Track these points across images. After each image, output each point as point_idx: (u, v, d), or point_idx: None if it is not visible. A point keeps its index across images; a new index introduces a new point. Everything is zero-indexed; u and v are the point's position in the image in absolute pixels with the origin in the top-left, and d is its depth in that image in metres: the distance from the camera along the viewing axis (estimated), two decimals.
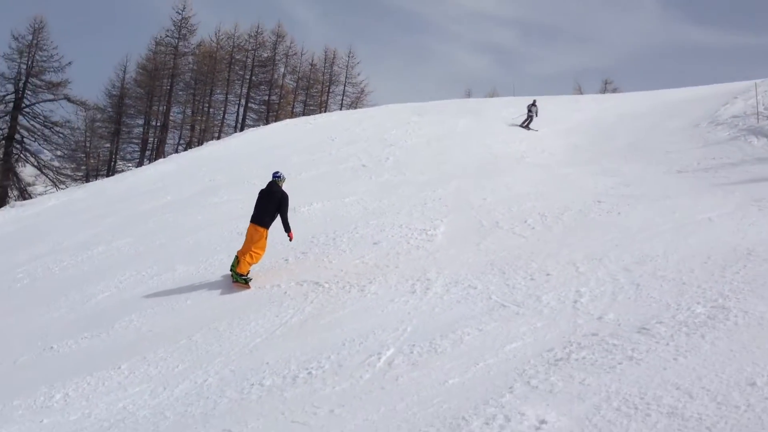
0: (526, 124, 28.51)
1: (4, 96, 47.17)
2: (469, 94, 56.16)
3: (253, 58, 61.61)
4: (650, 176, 16.90)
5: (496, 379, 5.81)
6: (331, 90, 62.00)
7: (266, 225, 10.87)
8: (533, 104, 29.25)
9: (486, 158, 21.70)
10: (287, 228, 11.02)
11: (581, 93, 50.72)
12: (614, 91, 52.08)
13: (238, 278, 10.60)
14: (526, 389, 5.45)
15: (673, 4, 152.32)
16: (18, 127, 46.51)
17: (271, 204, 10.91)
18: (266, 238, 10.88)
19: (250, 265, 10.73)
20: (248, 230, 10.99)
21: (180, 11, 58.63)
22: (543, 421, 4.82)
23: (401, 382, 6.21)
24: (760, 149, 18.15)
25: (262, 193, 11.21)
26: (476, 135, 26.37)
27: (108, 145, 58.18)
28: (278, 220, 10.95)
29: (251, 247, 10.74)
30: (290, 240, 11.25)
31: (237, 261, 10.75)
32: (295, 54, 62.66)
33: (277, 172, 11.43)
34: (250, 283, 10.56)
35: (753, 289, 7.17)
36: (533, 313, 7.67)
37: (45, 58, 48.43)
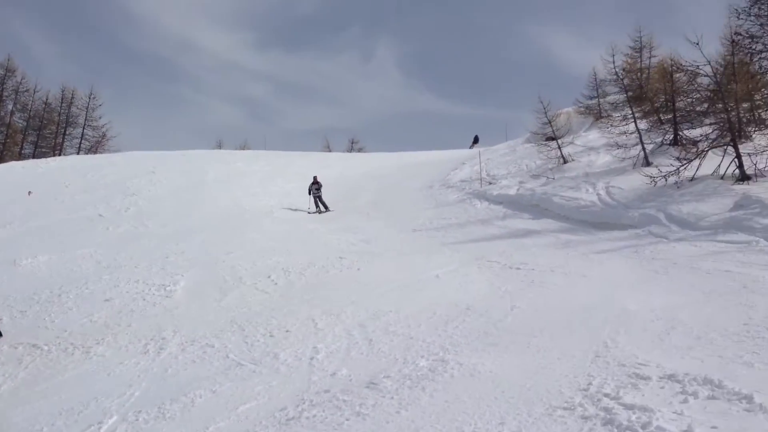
0: (322, 209, 23.27)
1: None
2: (220, 145, 55.46)
3: None
4: (389, 234, 17.96)
5: None
6: (67, 132, 57.38)
7: None
8: (314, 182, 23.99)
9: (234, 211, 21.50)
10: None
11: (330, 150, 52.88)
12: (360, 150, 55.05)
13: None
14: None
15: (414, 76, 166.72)
16: None
17: None
18: None
19: None
20: None
21: None
22: None
23: None
24: (483, 211, 20.24)
25: None
26: (226, 187, 26.08)
27: None
28: None
29: None
30: None
31: None
32: (27, 91, 57.15)
33: None
34: None
35: (469, 342, 7.85)
36: (270, 371, 7.63)
37: None
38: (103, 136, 52.19)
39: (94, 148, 50.88)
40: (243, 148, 52.55)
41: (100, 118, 52.72)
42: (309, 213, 22.69)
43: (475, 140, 41.72)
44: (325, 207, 23.43)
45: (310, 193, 24.02)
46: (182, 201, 22.76)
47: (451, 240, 16.43)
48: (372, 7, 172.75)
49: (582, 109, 32.04)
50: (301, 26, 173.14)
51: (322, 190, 24.00)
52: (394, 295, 10.74)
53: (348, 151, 52.46)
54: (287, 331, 9.18)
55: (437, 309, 9.57)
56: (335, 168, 32.34)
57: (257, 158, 34.25)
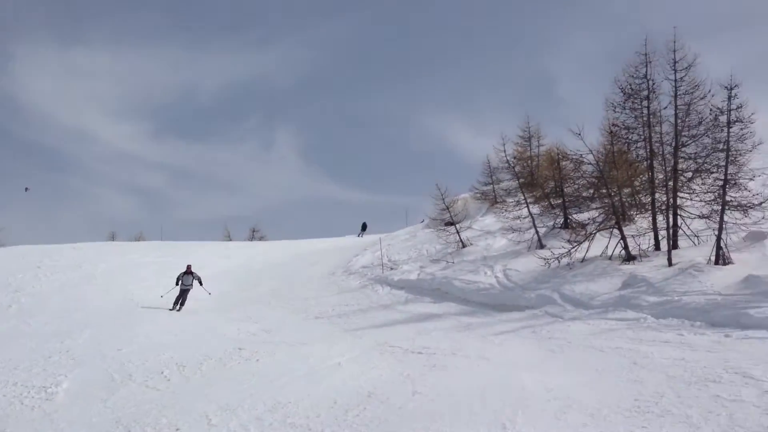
0: (177, 308, 20.09)
1: None
2: (113, 237, 53.40)
3: None
4: (291, 322, 17.60)
5: None
6: None
7: None
8: (187, 272, 20.97)
9: (126, 305, 20.54)
10: None
11: (230, 239, 52.06)
12: (261, 239, 54.46)
13: None
14: None
15: (315, 163, 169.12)
16: None
17: None
18: None
19: None
20: None
21: None
22: None
23: None
24: (385, 297, 20.26)
25: None
26: (118, 280, 24.98)
27: None
28: None
29: None
30: None
31: None
32: None
33: None
34: None
35: (370, 430, 7.64)
36: None
37: None
38: None
39: None
40: (138, 239, 50.84)
41: None
42: (169, 310, 19.89)
43: (363, 227, 41.88)
44: (182, 305, 20.21)
45: (177, 284, 20.65)
46: (69, 296, 21.58)
47: (353, 326, 16.26)
48: (272, 97, 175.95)
49: (478, 195, 33.23)
50: (200, 116, 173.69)
51: (202, 283, 21.02)
52: (295, 385, 10.39)
53: (249, 240, 51.77)
54: (177, 429, 8.65)
55: (338, 398, 9.32)
56: (236, 257, 31.79)
57: (152, 249, 33.18)
